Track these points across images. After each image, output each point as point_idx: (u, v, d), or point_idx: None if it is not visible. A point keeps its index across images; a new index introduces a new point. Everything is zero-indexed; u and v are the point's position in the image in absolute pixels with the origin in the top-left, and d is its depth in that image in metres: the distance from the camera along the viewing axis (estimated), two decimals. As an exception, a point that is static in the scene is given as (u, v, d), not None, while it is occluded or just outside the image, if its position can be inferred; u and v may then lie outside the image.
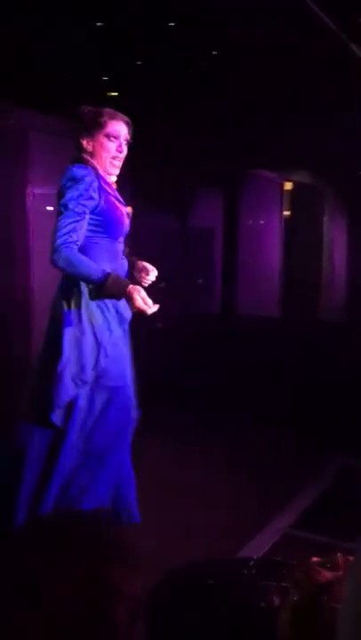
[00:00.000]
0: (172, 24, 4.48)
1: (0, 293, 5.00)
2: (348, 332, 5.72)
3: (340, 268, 8.55)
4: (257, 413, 4.87)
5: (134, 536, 0.99)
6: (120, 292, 2.81)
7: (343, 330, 6.24)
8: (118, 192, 3.01)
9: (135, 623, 0.87)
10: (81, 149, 2.93)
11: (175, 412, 4.93)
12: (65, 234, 2.73)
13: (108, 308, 2.91)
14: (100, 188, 2.86)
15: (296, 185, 8.18)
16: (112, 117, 2.93)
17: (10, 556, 0.89)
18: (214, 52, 4.91)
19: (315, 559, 1.14)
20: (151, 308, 2.83)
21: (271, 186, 8.00)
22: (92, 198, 2.82)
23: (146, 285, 3.02)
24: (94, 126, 2.91)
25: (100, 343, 2.88)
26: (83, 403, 2.88)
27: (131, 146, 3.00)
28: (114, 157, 2.94)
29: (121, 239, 3.03)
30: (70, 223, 2.75)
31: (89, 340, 2.86)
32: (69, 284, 2.88)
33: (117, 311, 2.94)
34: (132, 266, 3.10)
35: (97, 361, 2.87)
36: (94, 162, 2.91)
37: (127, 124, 2.96)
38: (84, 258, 2.77)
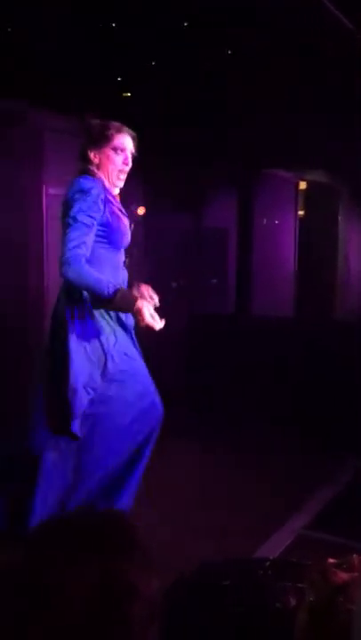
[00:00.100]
0: (185, 24, 4.49)
1: (15, 293, 5.03)
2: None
3: (355, 269, 8.50)
4: (272, 414, 4.86)
5: (149, 536, 0.99)
6: (128, 307, 2.84)
7: (359, 330, 6.19)
8: (125, 196, 3.05)
9: (151, 623, 0.86)
10: (88, 161, 2.96)
11: (187, 413, 4.94)
12: (75, 247, 2.74)
13: (110, 317, 2.94)
14: (106, 200, 2.89)
15: (311, 184, 8.14)
16: (119, 131, 2.97)
17: (24, 556, 0.89)
18: (229, 52, 4.91)
19: (330, 560, 1.13)
20: (159, 323, 2.85)
21: (286, 185, 7.96)
22: (99, 210, 2.84)
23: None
24: (101, 139, 2.95)
25: (106, 351, 2.89)
26: (99, 410, 2.89)
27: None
28: (120, 170, 2.98)
29: (122, 250, 3.05)
30: (80, 236, 2.76)
31: (95, 348, 2.87)
32: (70, 293, 2.89)
33: (119, 318, 2.97)
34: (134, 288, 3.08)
35: (105, 367, 2.88)
36: (101, 174, 2.94)
37: (133, 137, 3.01)
38: (93, 271, 2.78)
